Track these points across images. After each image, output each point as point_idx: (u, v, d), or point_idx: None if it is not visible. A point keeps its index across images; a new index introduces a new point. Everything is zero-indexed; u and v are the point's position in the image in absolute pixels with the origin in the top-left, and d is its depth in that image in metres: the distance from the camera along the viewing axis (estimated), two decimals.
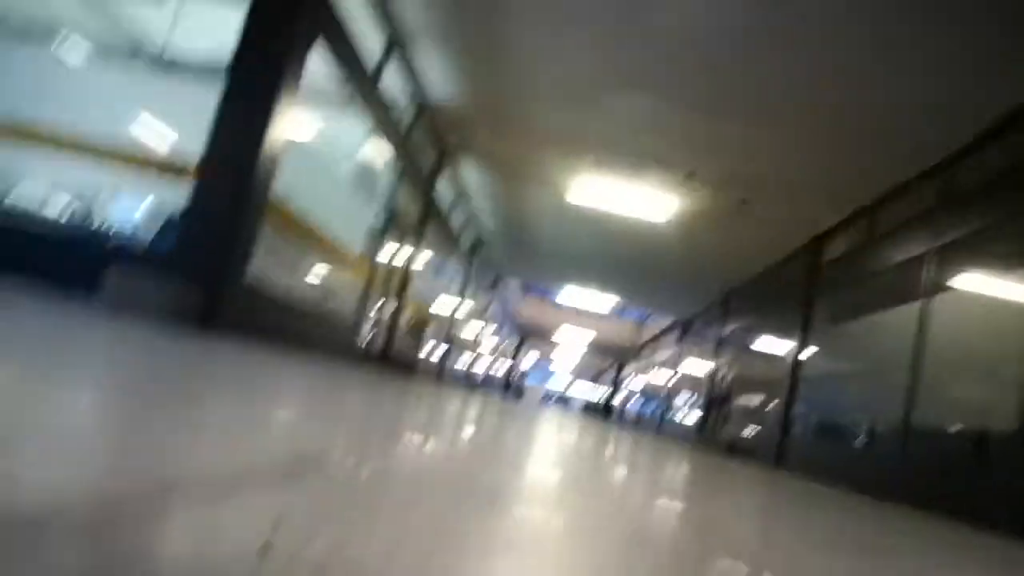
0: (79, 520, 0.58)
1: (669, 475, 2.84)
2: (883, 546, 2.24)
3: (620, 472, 2.39)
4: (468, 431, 2.52)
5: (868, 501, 6.77)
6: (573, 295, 25.98)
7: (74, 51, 7.78)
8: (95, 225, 10.47)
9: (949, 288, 6.78)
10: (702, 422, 15.27)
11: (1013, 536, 5.01)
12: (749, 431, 12.11)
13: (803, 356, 10.28)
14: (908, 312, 7.35)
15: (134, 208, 10.80)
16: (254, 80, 5.81)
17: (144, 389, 1.49)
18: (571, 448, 2.99)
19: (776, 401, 10.88)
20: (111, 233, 9.63)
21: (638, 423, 25.30)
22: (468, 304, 17.98)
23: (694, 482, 2.97)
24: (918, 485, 6.46)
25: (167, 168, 5.93)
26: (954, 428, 6.41)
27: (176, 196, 5.87)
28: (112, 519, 0.61)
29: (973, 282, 6.49)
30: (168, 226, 7.28)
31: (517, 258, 19.02)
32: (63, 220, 10.42)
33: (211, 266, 5.57)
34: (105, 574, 0.48)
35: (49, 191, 8.09)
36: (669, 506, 1.98)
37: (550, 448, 2.63)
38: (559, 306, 29.12)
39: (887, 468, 7.05)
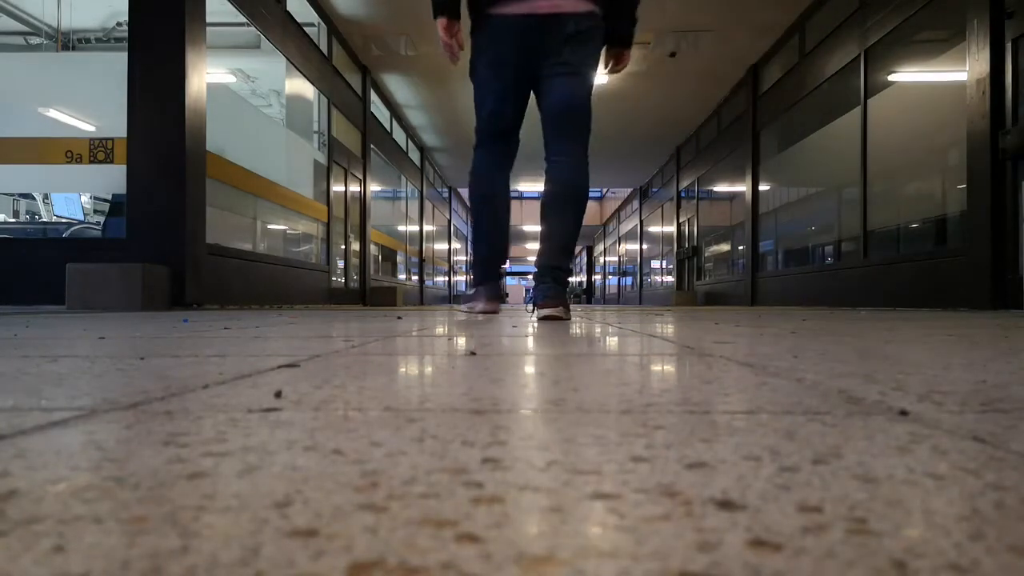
0: (134, 402, 0.67)
1: (645, 319, 3.03)
2: (866, 326, 2.46)
3: (603, 328, 2.56)
4: (455, 328, 2.64)
5: (838, 308, 7.22)
6: (527, 189, 25.82)
7: None
8: (44, 221, 10.08)
9: (884, 86, 6.91)
10: (677, 280, 15.80)
11: (975, 308, 5.44)
12: (723, 277, 12.58)
13: (759, 192, 10.56)
14: (850, 120, 7.52)
15: (74, 200, 10.37)
16: (157, 38, 5.49)
17: (154, 346, 1.56)
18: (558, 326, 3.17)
19: (742, 245, 11.26)
20: (63, 229, 9.30)
21: (619, 298, 26.05)
22: (429, 225, 17.90)
23: (672, 319, 3.18)
24: (881, 286, 6.88)
25: (96, 149, 5.69)
26: (911, 223, 6.74)
27: (113, 178, 5.67)
28: (159, 399, 0.70)
29: (906, 75, 6.61)
30: (114, 209, 7.09)
31: (465, 167, 18.78)
32: (12, 221, 10.00)
33: (167, 242, 5.49)
34: (158, 418, 0.57)
35: None
36: (657, 328, 2.14)
37: (536, 330, 2.79)
38: (518, 203, 29.04)
39: (851, 276, 7.47)
